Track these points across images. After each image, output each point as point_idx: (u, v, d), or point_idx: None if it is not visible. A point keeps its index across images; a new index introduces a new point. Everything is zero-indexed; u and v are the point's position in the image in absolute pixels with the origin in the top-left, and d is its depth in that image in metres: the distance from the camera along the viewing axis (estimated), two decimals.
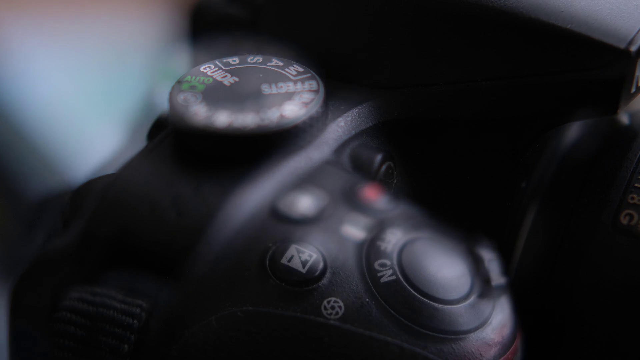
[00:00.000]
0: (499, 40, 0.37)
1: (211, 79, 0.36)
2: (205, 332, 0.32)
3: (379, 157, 0.36)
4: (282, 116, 0.35)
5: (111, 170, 0.36)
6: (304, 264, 0.33)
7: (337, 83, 0.37)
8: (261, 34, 0.39)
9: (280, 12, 0.40)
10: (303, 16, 0.39)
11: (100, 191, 0.35)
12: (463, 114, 0.38)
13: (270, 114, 0.35)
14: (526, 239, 0.38)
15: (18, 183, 0.76)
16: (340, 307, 0.32)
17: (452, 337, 0.32)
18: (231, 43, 0.39)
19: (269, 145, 0.34)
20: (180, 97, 0.35)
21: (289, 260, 0.33)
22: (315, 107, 0.35)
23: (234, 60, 0.37)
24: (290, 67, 0.37)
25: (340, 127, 0.36)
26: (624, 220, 0.37)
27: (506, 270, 0.35)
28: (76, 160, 0.76)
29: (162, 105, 0.36)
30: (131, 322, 0.33)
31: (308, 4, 0.39)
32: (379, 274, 0.33)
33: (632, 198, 0.37)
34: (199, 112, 0.35)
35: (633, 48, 0.36)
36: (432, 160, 0.39)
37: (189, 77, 0.36)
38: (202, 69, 0.37)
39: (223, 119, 0.35)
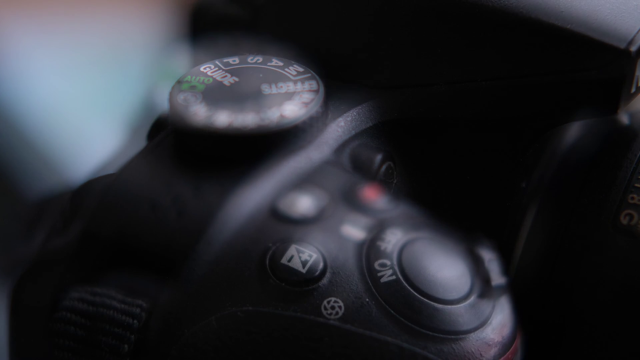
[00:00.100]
0: (499, 40, 0.37)
1: (211, 79, 0.36)
2: (205, 332, 0.32)
3: (379, 157, 0.36)
4: (282, 116, 0.35)
5: (111, 170, 0.36)
6: (304, 264, 0.33)
7: (337, 83, 0.37)
8: (261, 34, 0.39)
9: (280, 12, 0.40)
10: (303, 16, 0.39)
11: (100, 191, 0.35)
12: (463, 114, 0.38)
13: (270, 114, 0.35)
14: (526, 239, 0.38)
15: (18, 183, 0.76)
16: (340, 307, 0.32)
17: (452, 337, 0.32)
18: (231, 43, 0.39)
19: (269, 145, 0.34)
20: (180, 97, 0.35)
21: (289, 260, 0.33)
22: (315, 107, 0.35)
23: (234, 60, 0.37)
24: (290, 67, 0.37)
25: (340, 127, 0.36)
26: (624, 220, 0.37)
27: (506, 270, 0.35)
28: (76, 160, 0.76)
29: (162, 105, 0.36)
30: (131, 322, 0.33)
31: (308, 4, 0.39)
32: (379, 274, 0.33)
33: (632, 198, 0.37)
34: (199, 112, 0.35)
35: (633, 48, 0.36)
36: (432, 160, 0.39)
37: (189, 77, 0.36)
38: (202, 69, 0.37)
39: (223, 119, 0.35)
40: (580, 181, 0.38)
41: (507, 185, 0.38)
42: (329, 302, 0.32)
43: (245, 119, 0.34)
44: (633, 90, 0.37)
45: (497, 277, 0.34)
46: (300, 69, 0.37)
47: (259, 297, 0.32)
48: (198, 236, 0.33)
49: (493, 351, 0.33)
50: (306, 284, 0.32)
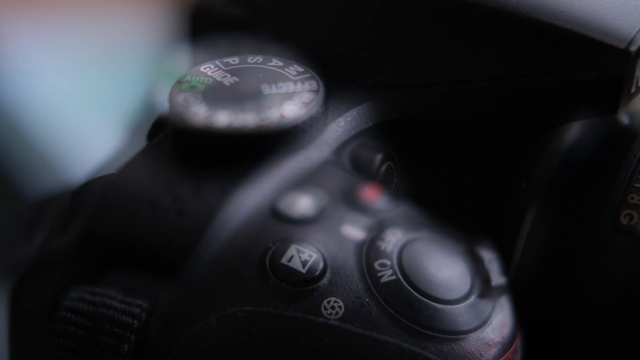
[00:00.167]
0: (499, 40, 0.37)
1: (211, 79, 0.36)
2: (205, 332, 0.32)
3: (379, 157, 0.36)
4: (282, 116, 0.35)
5: (111, 170, 0.36)
6: (304, 264, 0.33)
7: (337, 83, 0.37)
8: (261, 34, 0.39)
9: (280, 12, 0.40)
10: (303, 16, 0.39)
11: (100, 191, 0.35)
12: (463, 114, 0.38)
13: (270, 114, 0.35)
14: (526, 239, 0.38)
15: (18, 183, 0.76)
16: (340, 307, 0.32)
17: (452, 337, 0.32)
18: (231, 43, 0.39)
19: (269, 145, 0.34)
20: (180, 97, 0.35)
21: (289, 260, 0.33)
22: (315, 107, 0.35)
23: (234, 60, 0.37)
24: (290, 67, 0.37)
25: (340, 127, 0.36)
26: (624, 220, 0.37)
27: (506, 270, 0.35)
28: (76, 160, 0.76)
29: (162, 105, 0.36)
30: (131, 322, 0.33)
31: (308, 4, 0.39)
32: (379, 274, 0.33)
33: (632, 198, 0.37)
34: (199, 112, 0.35)
35: (633, 48, 0.36)
36: (432, 160, 0.39)
37: (189, 77, 0.36)
38: (202, 69, 0.37)
39: (223, 119, 0.35)
40: (580, 181, 0.38)
41: (507, 185, 0.38)
42: (329, 302, 0.32)
43: (245, 119, 0.34)
44: (633, 90, 0.37)
45: (497, 277, 0.34)
46: (300, 69, 0.37)
47: (259, 297, 0.32)
48: (198, 236, 0.33)
49: (493, 351, 0.33)
50: (306, 284, 0.32)
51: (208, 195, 0.34)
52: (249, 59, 0.37)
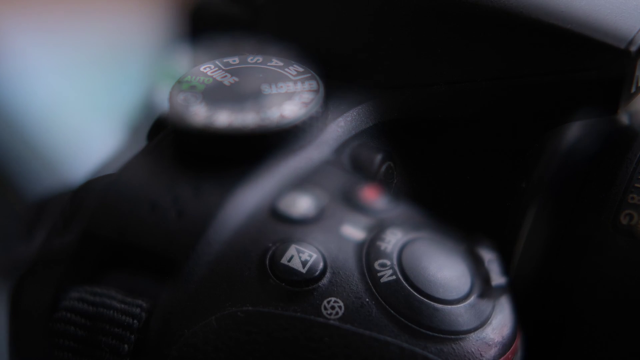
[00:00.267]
0: (499, 40, 0.37)
1: (211, 79, 0.36)
2: (205, 332, 0.32)
3: (379, 157, 0.36)
4: (282, 116, 0.35)
5: (111, 170, 0.36)
6: (304, 264, 0.33)
7: (337, 83, 0.37)
8: (261, 34, 0.39)
9: (280, 12, 0.40)
10: (303, 16, 0.39)
11: (100, 191, 0.35)
12: (463, 114, 0.38)
13: (270, 114, 0.35)
14: (526, 239, 0.38)
15: (18, 183, 0.76)
16: (340, 307, 0.32)
17: (452, 337, 0.32)
18: (231, 43, 0.39)
19: (269, 145, 0.34)
20: (180, 97, 0.35)
21: (289, 260, 0.33)
22: (315, 107, 0.35)
23: (234, 60, 0.37)
24: (290, 67, 0.37)
25: (340, 127, 0.36)
26: (624, 220, 0.37)
27: (506, 270, 0.35)
28: (76, 160, 0.76)
29: (162, 105, 0.36)
30: (131, 322, 0.33)
31: (308, 4, 0.39)
32: (379, 274, 0.33)
33: (632, 198, 0.37)
34: (199, 112, 0.35)
35: (633, 48, 0.36)
36: (432, 160, 0.39)
37: (189, 77, 0.36)
38: (202, 69, 0.37)
39: (223, 119, 0.35)
40: (580, 181, 0.38)
41: (507, 185, 0.38)
42: (329, 302, 0.32)
43: (245, 119, 0.34)
44: (633, 90, 0.37)
45: (497, 277, 0.34)
46: (300, 69, 0.37)
47: (259, 297, 0.32)
48: (198, 236, 0.33)
49: (493, 351, 0.33)
50: (306, 284, 0.32)
51: (208, 195, 0.34)
52: (249, 59, 0.37)
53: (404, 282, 0.33)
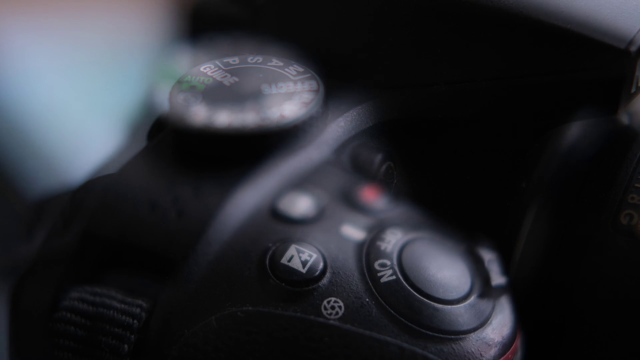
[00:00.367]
0: (499, 40, 0.37)
1: (211, 79, 0.36)
2: (205, 332, 0.32)
3: (379, 157, 0.36)
4: (282, 116, 0.35)
5: (111, 170, 0.36)
6: (304, 264, 0.33)
7: (337, 83, 0.37)
8: (261, 34, 0.39)
9: (280, 12, 0.40)
10: (303, 16, 0.39)
11: (100, 191, 0.35)
12: (463, 114, 0.38)
13: (270, 114, 0.35)
14: (526, 239, 0.38)
15: (18, 183, 0.76)
16: (340, 307, 0.32)
17: (452, 337, 0.32)
18: (231, 43, 0.39)
19: (269, 145, 0.34)
20: (180, 97, 0.35)
21: (289, 260, 0.33)
22: (315, 107, 0.35)
23: (234, 60, 0.37)
24: (290, 67, 0.37)
25: (340, 127, 0.36)
26: (624, 220, 0.37)
27: (506, 270, 0.35)
28: (76, 160, 0.76)
29: (162, 105, 0.36)
30: (131, 322, 0.33)
31: (308, 4, 0.39)
32: (379, 274, 0.33)
33: (632, 198, 0.37)
34: (199, 112, 0.35)
35: (633, 48, 0.36)
36: (432, 160, 0.39)
37: (189, 77, 0.36)
38: (202, 69, 0.37)
39: (223, 119, 0.35)
40: (580, 181, 0.38)
41: (507, 185, 0.38)
42: (329, 302, 0.32)
43: (245, 119, 0.34)
44: (633, 90, 0.37)
45: (497, 277, 0.34)
46: (300, 69, 0.37)
47: (259, 297, 0.32)
48: (198, 236, 0.33)
49: (493, 351, 0.33)
50: (306, 284, 0.32)
51: (208, 195, 0.34)
52: (249, 59, 0.37)
53: (404, 282, 0.33)
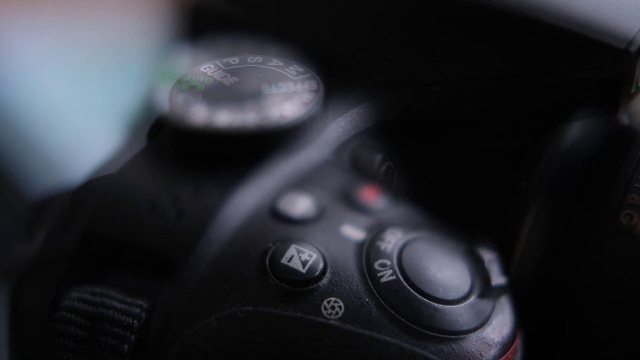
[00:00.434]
0: (499, 40, 0.37)
1: (211, 79, 0.36)
2: (205, 332, 0.32)
3: (379, 157, 0.36)
4: (282, 116, 0.35)
5: (111, 170, 0.36)
6: (304, 264, 0.33)
7: (337, 83, 0.37)
8: (261, 34, 0.39)
9: (280, 12, 0.40)
10: (303, 16, 0.39)
11: (100, 191, 0.35)
12: (463, 114, 0.38)
13: (270, 113, 0.35)
14: (526, 239, 0.38)
15: (18, 183, 0.76)
16: (340, 307, 0.32)
17: (452, 337, 0.32)
18: (231, 43, 0.39)
19: (269, 145, 0.34)
20: (180, 97, 0.35)
21: (289, 260, 0.33)
22: (315, 107, 0.35)
23: (234, 60, 0.37)
24: (290, 67, 0.37)
25: (340, 127, 0.36)
26: (624, 220, 0.37)
27: (506, 270, 0.35)
28: (76, 160, 0.76)
29: (162, 105, 0.36)
30: (131, 322, 0.33)
31: (308, 4, 0.39)
32: (379, 274, 0.33)
33: (632, 198, 0.37)
34: (199, 112, 0.35)
35: (633, 48, 0.36)
36: (432, 160, 0.39)
37: (189, 77, 0.36)
38: (202, 69, 0.37)
39: (223, 119, 0.35)
40: (580, 181, 0.38)
41: (507, 185, 0.38)
42: (329, 302, 0.32)
43: (245, 119, 0.34)
44: (633, 90, 0.37)
45: (497, 277, 0.34)
46: (300, 69, 0.37)
47: (259, 297, 0.32)
48: (198, 236, 0.33)
49: (493, 351, 0.33)
50: (306, 284, 0.32)
51: (208, 195, 0.34)
52: (249, 59, 0.37)
53: (404, 282, 0.33)
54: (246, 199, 0.34)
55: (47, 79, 0.84)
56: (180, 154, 0.35)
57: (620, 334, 0.37)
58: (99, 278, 0.34)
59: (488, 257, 0.34)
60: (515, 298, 0.34)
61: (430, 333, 0.32)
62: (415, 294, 0.33)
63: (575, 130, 0.39)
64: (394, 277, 0.33)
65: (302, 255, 0.33)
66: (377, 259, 0.33)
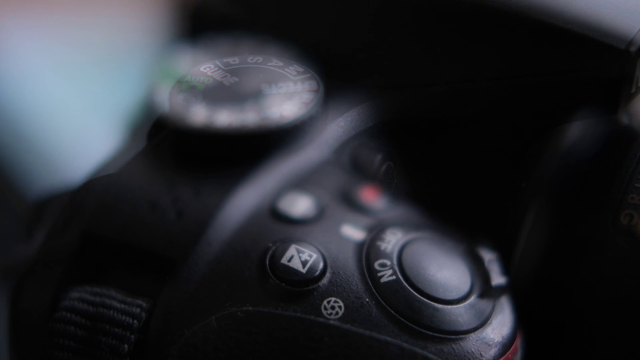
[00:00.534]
0: (499, 40, 0.37)
1: (211, 79, 0.36)
2: (205, 332, 0.32)
3: (379, 157, 0.36)
4: (282, 116, 0.35)
5: (111, 170, 0.36)
6: (304, 264, 0.33)
7: (337, 83, 0.37)
8: (261, 34, 0.39)
9: (280, 12, 0.40)
10: (303, 16, 0.39)
11: (100, 191, 0.35)
12: (463, 114, 0.38)
13: (270, 113, 0.35)
14: (526, 239, 0.38)
15: (18, 183, 0.76)
16: (340, 307, 0.32)
17: (452, 337, 0.32)
18: (231, 43, 0.39)
19: (269, 145, 0.34)
20: (180, 97, 0.35)
21: (289, 260, 0.33)
22: (315, 107, 0.35)
23: (234, 60, 0.37)
24: (290, 67, 0.37)
25: (340, 127, 0.36)
26: (624, 220, 0.37)
27: (506, 270, 0.35)
28: (76, 160, 0.76)
29: (162, 105, 0.36)
30: (131, 322, 0.33)
31: (308, 4, 0.39)
32: (379, 274, 0.33)
33: (632, 198, 0.37)
34: (199, 112, 0.35)
35: (633, 48, 0.36)
36: (432, 160, 0.39)
37: (189, 77, 0.36)
38: (202, 69, 0.37)
39: (223, 119, 0.35)
40: (580, 181, 0.38)
41: (507, 185, 0.38)
42: (329, 302, 0.32)
43: (245, 119, 0.34)
44: (633, 90, 0.37)
45: (497, 277, 0.34)
46: (300, 69, 0.37)
47: (259, 297, 0.32)
48: (198, 236, 0.33)
49: (493, 351, 0.33)
50: (306, 284, 0.32)
51: (208, 195, 0.34)
52: (249, 59, 0.37)
53: (404, 282, 0.33)
54: (246, 199, 0.34)
55: (47, 78, 0.84)
56: (180, 154, 0.35)
57: (620, 334, 0.37)
58: (99, 278, 0.34)
59: (488, 257, 0.34)
60: (515, 298, 0.34)
61: (430, 333, 0.32)
62: (415, 294, 0.33)
63: (575, 130, 0.39)
64: (394, 277, 0.33)
65: (302, 255, 0.33)
66: (377, 259, 0.33)
